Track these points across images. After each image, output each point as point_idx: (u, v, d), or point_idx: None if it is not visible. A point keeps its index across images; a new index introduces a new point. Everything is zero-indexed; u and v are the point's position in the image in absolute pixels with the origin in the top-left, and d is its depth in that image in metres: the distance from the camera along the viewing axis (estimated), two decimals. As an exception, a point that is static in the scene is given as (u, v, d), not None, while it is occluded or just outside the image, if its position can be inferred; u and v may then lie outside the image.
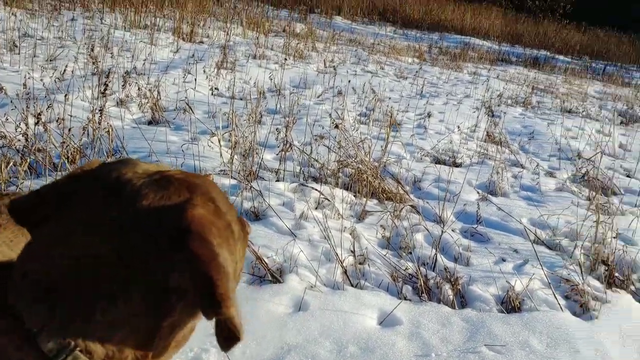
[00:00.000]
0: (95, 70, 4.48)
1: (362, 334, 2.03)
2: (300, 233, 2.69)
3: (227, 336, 0.72)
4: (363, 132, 4.49)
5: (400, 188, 3.34)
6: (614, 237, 2.98)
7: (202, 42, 7.48)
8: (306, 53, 8.06)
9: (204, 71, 5.65)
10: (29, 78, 3.76)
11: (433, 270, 2.57)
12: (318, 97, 5.68)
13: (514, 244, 2.96)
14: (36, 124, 2.93)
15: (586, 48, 15.43)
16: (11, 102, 3.29)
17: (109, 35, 6.10)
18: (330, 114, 4.57)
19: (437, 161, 4.23)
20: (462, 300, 2.40)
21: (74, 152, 3.01)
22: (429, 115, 5.42)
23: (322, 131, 4.20)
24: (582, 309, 2.41)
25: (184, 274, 0.69)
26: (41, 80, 4.13)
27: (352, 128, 4.43)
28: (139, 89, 4.48)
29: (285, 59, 6.93)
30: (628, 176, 4.49)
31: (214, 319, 0.71)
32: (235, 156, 3.47)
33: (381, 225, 2.93)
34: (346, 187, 3.37)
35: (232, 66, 6.19)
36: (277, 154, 3.70)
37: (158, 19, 7.86)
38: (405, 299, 2.32)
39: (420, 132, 4.95)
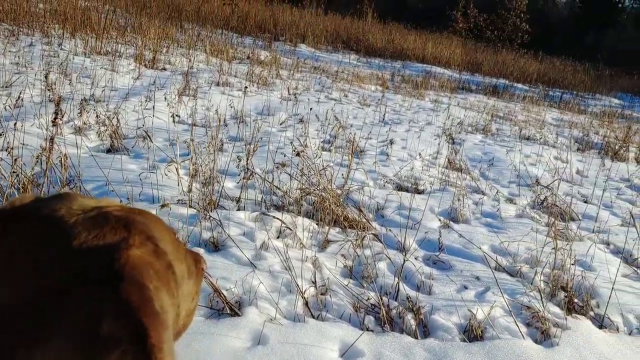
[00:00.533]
0: (51, 97, 4.37)
1: (323, 368, 1.97)
2: (260, 264, 2.64)
3: None
4: (326, 159, 4.48)
5: (362, 216, 3.32)
6: (572, 264, 3.01)
7: (164, 68, 7.41)
8: (270, 80, 8.08)
9: (165, 98, 5.58)
10: (-20, 105, 3.64)
11: (395, 300, 2.54)
12: (281, 124, 5.67)
13: (475, 271, 2.96)
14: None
15: (543, 76, 15.95)
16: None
17: (68, 61, 5.99)
18: (292, 142, 4.55)
19: (400, 188, 4.25)
20: (425, 329, 2.38)
21: (25, 182, 2.90)
22: (392, 142, 5.46)
23: (284, 159, 4.18)
24: (543, 336, 2.41)
25: (117, 321, 0.65)
26: (-6, 107, 4.00)
27: (314, 155, 4.42)
28: (97, 116, 4.39)
29: (246, 88, 6.93)
30: (585, 202, 4.59)
31: None
32: (195, 184, 3.41)
33: (343, 255, 2.90)
34: (309, 215, 3.34)
35: (194, 93, 6.15)
36: (238, 182, 3.65)
37: (120, 45, 7.78)
38: (367, 329, 2.28)
39: (382, 159, 4.97)
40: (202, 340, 1.99)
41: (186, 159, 3.77)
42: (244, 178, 3.48)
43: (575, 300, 2.74)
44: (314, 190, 3.43)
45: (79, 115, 4.17)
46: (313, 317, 2.30)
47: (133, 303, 0.63)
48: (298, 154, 3.37)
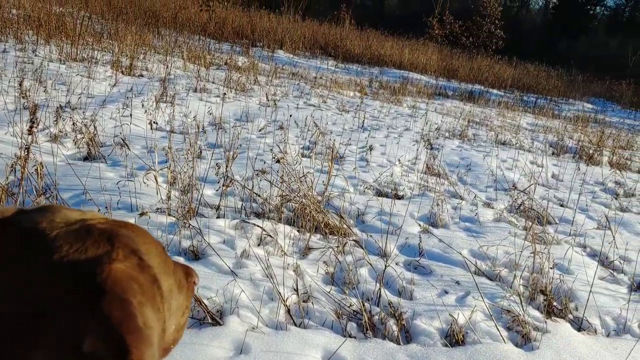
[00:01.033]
0: (26, 104, 4.29)
1: (306, 376, 1.96)
2: (241, 272, 2.62)
3: None
4: (306, 165, 4.48)
5: (343, 222, 3.33)
6: (551, 268, 3.05)
7: (141, 75, 7.34)
8: (248, 86, 8.05)
9: (143, 105, 5.53)
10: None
11: (377, 306, 2.54)
12: (260, 130, 5.65)
13: (455, 275, 2.98)
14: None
15: (518, 82, 16.18)
16: None
17: (43, 68, 5.89)
18: (272, 148, 4.54)
19: (380, 194, 4.26)
20: (407, 335, 2.38)
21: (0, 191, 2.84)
22: (371, 148, 5.48)
23: (264, 165, 4.16)
24: (523, 339, 2.44)
25: (98, 338, 0.63)
26: (-34, 115, 3.92)
27: (294, 162, 4.42)
28: (74, 123, 4.32)
29: (225, 94, 6.90)
30: (561, 205, 4.66)
31: None
32: (174, 192, 3.37)
33: (324, 262, 2.90)
34: (289, 222, 3.33)
35: (172, 100, 6.09)
36: (218, 190, 3.63)
37: (96, 52, 7.68)
38: (350, 336, 2.28)
39: (362, 165, 4.99)
40: (183, 351, 1.97)
41: (164, 167, 3.74)
42: (223, 185, 3.45)
43: (555, 303, 2.77)
44: (295, 197, 3.42)
45: (55, 123, 4.10)
46: (295, 325, 2.29)
47: (115, 319, 0.62)
48: (278, 161, 3.36)
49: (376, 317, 2.42)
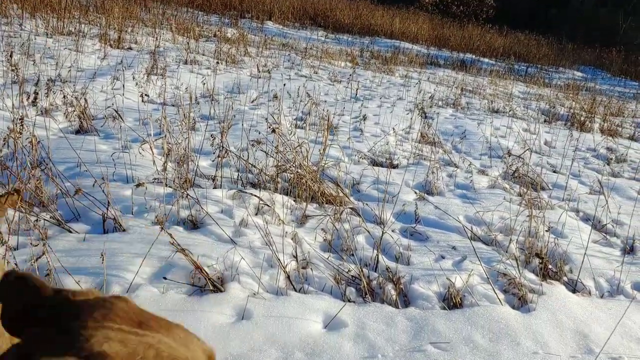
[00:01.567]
0: (16, 78, 4.23)
1: (308, 339, 1.99)
2: (240, 240, 2.63)
3: None
4: (300, 136, 4.47)
5: (340, 191, 3.34)
6: (546, 231, 3.09)
7: (130, 48, 7.24)
8: (239, 58, 7.97)
9: (134, 77, 5.47)
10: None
11: (375, 271, 2.57)
12: (253, 102, 5.62)
13: (452, 241, 3.01)
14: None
15: (508, 50, 16.09)
16: None
17: (30, 42, 5.80)
18: (266, 119, 4.52)
19: (375, 163, 4.27)
20: (405, 299, 2.42)
21: (-6, 164, 2.82)
22: (365, 118, 5.46)
23: (258, 136, 4.14)
24: (520, 301, 2.48)
25: None
26: (-45, 89, 3.86)
27: (289, 132, 4.40)
28: (64, 97, 4.27)
29: (218, 63, 6.83)
30: (554, 171, 4.69)
31: None
32: (170, 164, 3.36)
33: (322, 229, 2.91)
34: (286, 192, 3.34)
35: (163, 72, 6.03)
36: (213, 161, 3.62)
37: (83, 25, 7.56)
38: (349, 301, 2.30)
39: (356, 134, 4.98)
40: (186, 318, 1.99)
41: (159, 138, 3.72)
42: (218, 156, 3.44)
43: (550, 266, 2.81)
44: (290, 167, 3.42)
45: (46, 96, 4.06)
46: (295, 291, 2.31)
47: None
48: (274, 131, 3.35)
49: (374, 282, 2.45)
